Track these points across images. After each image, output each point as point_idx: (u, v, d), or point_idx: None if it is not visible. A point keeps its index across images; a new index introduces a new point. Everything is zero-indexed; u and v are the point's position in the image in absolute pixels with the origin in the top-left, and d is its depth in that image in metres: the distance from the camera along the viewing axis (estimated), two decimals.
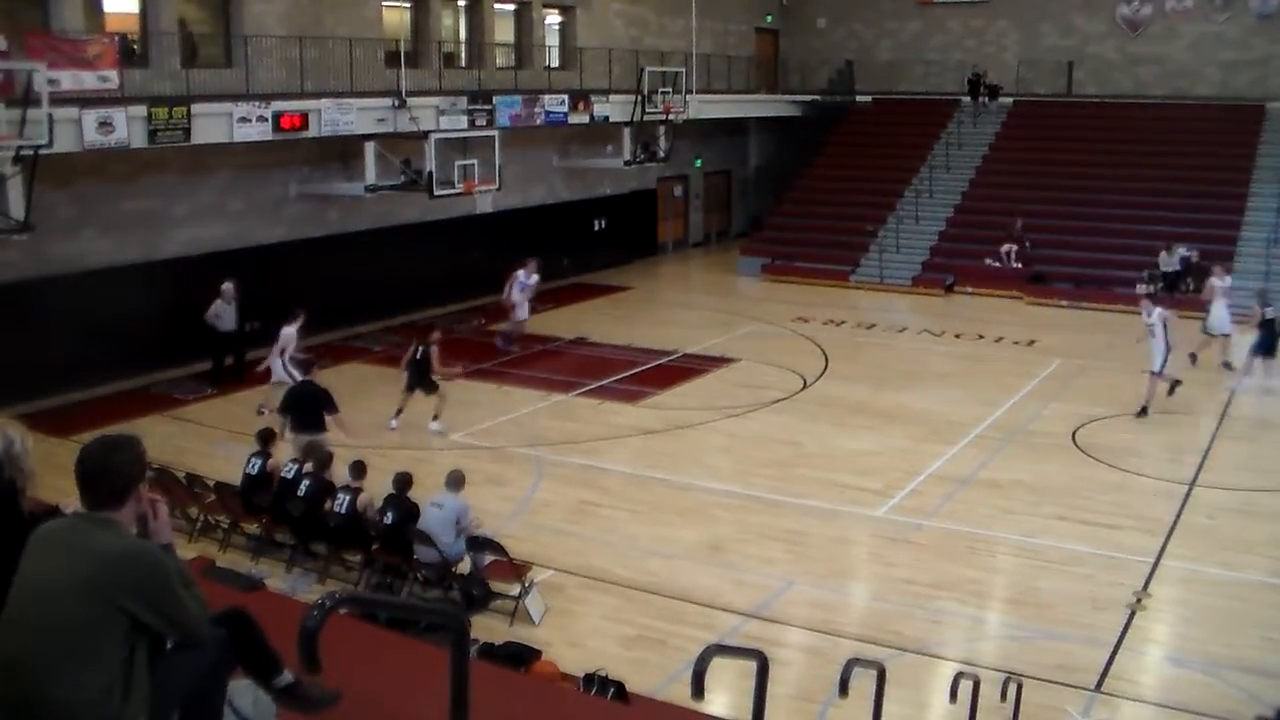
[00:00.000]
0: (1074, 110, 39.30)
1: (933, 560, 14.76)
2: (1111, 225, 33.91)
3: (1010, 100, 40.39)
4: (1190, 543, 15.47)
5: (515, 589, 12.81)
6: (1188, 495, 17.23)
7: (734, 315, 30.06)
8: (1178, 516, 16.37)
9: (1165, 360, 20.90)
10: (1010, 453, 19.15)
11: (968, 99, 40.59)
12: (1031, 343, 27.20)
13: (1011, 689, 10.10)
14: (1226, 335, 24.61)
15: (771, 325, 28.78)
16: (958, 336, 28.10)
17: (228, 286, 22.62)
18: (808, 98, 42.43)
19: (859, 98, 42.51)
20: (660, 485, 17.33)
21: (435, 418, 19.90)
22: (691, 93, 35.32)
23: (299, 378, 18.20)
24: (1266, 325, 22.66)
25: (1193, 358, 24.17)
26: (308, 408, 16.38)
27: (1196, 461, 18.75)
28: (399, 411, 20.02)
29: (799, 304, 31.14)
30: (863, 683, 8.07)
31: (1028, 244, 33.76)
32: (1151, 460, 18.80)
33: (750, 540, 15.37)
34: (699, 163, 41.22)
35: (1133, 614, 13.29)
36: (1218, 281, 25.44)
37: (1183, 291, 31.16)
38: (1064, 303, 31.83)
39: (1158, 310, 20.98)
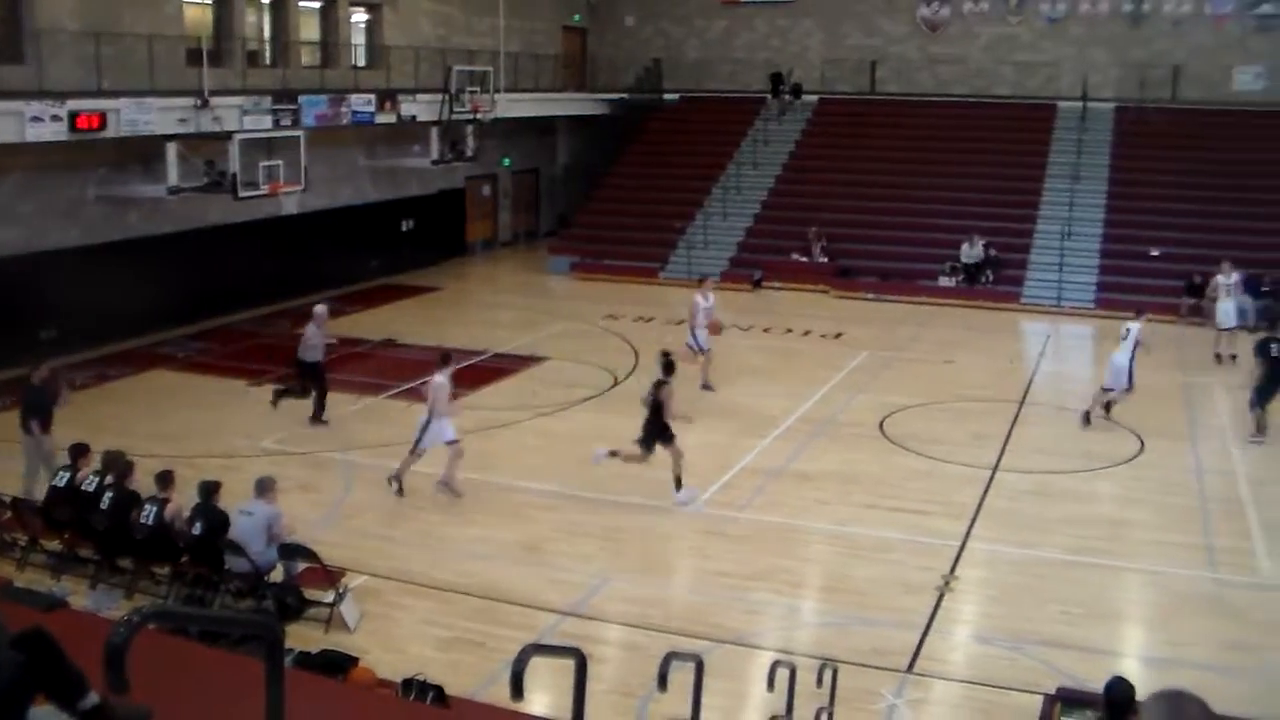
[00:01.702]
0: (877, 108, 40.34)
1: (747, 552, 14.98)
2: (914, 219, 34.95)
3: (815, 98, 41.19)
4: (993, 525, 16.05)
5: (330, 596, 12.61)
6: (990, 479, 17.83)
7: (544, 314, 30.05)
8: (981, 500, 16.95)
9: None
10: (820, 444, 19.53)
11: (772, 97, 41.25)
12: (838, 336, 27.77)
13: (827, 675, 10.30)
14: (1232, 329, 25.41)
15: (581, 323, 28.86)
16: (766, 331, 28.53)
17: (321, 310, 20.68)
18: (616, 96, 42.72)
19: (667, 96, 42.95)
20: (475, 486, 17.19)
21: (679, 484, 16.62)
22: (499, 91, 35.23)
23: (449, 437, 16.75)
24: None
25: (1218, 358, 25.24)
26: (29, 407, 16.05)
27: (998, 447, 19.39)
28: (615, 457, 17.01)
29: (608, 301, 31.29)
30: (681, 675, 8.13)
31: (825, 243, 34.41)
32: (956, 447, 19.36)
33: (566, 538, 15.39)
34: (507, 162, 41.05)
35: (941, 596, 13.72)
36: (1223, 279, 26.06)
37: (982, 283, 32.23)
38: (869, 296, 32.59)
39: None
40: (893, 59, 41.90)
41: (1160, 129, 36.71)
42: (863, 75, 41.75)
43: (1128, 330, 20.96)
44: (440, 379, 16.78)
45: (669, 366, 17.32)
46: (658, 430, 16.59)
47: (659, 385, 16.82)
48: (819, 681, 10.27)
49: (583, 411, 21.40)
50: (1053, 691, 9.50)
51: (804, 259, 34.26)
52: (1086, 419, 20.85)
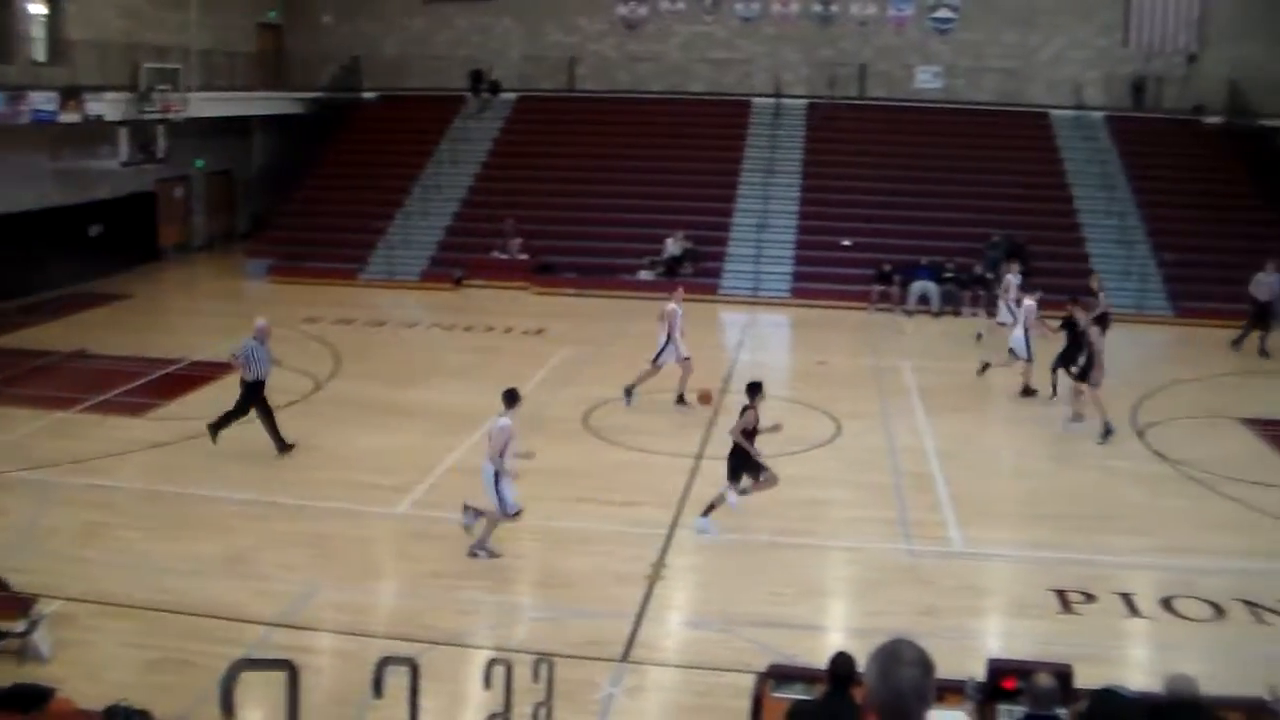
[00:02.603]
0: (576, 105, 40.64)
1: (458, 552, 14.89)
2: (614, 215, 35.47)
3: (514, 96, 41.30)
4: (700, 512, 16.37)
5: (21, 625, 11.94)
6: (695, 468, 18.22)
7: (242, 319, 28.67)
8: (687, 489, 17.31)
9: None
10: (526, 440, 19.47)
11: (472, 94, 41.17)
12: (540, 332, 27.93)
13: (544, 669, 10.35)
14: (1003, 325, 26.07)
15: (281, 327, 27.93)
16: (468, 330, 28.48)
17: (263, 323, 19.14)
18: (312, 95, 41.76)
19: (365, 94, 42.30)
20: (174, 499, 16.63)
21: (709, 508, 15.94)
22: (191, 90, 34.10)
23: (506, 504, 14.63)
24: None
25: (979, 336, 26.14)
26: None
27: (701, 435, 19.84)
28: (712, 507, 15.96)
29: (308, 304, 30.58)
30: (397, 680, 8.07)
31: (521, 239, 34.50)
32: (661, 437, 19.74)
33: (272, 548, 15.01)
34: (200, 163, 39.70)
35: (652, 584, 13.98)
36: (1013, 278, 27.03)
37: (683, 275, 32.94)
38: (570, 291, 32.83)
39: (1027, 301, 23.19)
40: (592, 56, 42.39)
41: (849, 124, 38.41)
42: (562, 72, 42.09)
43: (1025, 308, 23.08)
44: (505, 422, 14.71)
45: (755, 388, 16.31)
46: (744, 458, 15.94)
47: (745, 410, 16.01)
48: (535, 676, 10.30)
49: (285, 417, 20.76)
50: (764, 669, 9.78)
51: (505, 256, 34.30)
52: (1027, 391, 22.89)
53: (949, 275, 32.14)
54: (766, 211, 35.25)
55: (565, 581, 14.16)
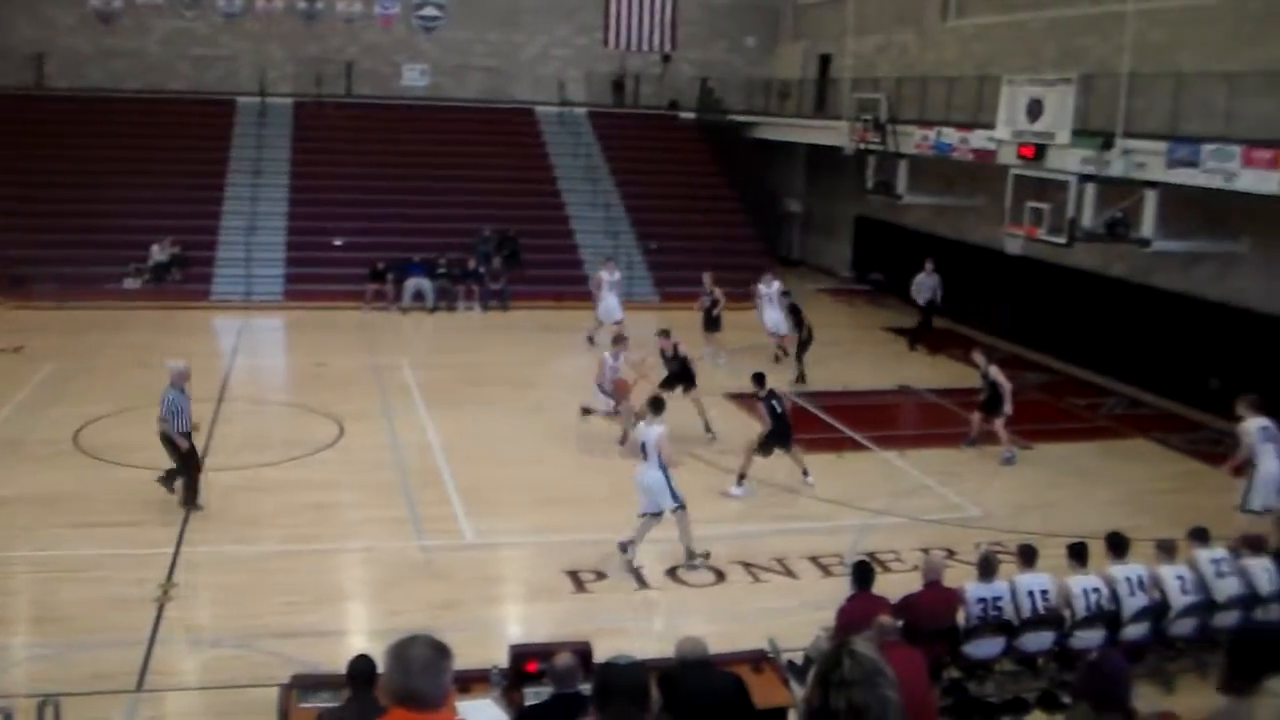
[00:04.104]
0: (46, 105, 37.87)
1: None
2: (95, 221, 33.37)
3: None
4: (206, 526, 15.98)
5: None
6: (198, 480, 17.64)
7: None
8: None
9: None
10: (10, 466, 18.27)
11: None
12: (19, 349, 26.06)
13: (49, 711, 9.80)
14: (781, 336, 26.76)
15: None
16: None
17: (179, 367, 16.69)
18: None
19: None
20: None
21: (805, 471, 18.40)
22: None
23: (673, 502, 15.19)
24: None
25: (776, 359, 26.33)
26: None
27: (201, 446, 19.16)
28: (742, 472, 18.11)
29: None
30: None
31: None
32: (159, 452, 18.91)
33: None
34: None
35: (162, 606, 13.45)
36: (606, 275, 27.76)
37: (171, 282, 31.79)
38: (50, 304, 30.81)
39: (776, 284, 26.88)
40: (62, 51, 39.67)
41: (337, 123, 38.25)
42: (29, 69, 39.20)
43: (772, 291, 26.61)
44: (661, 429, 15.23)
45: (760, 378, 18.25)
46: (784, 435, 17.99)
47: (771, 394, 18.03)
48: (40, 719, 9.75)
49: None
50: (287, 680, 9.69)
51: None
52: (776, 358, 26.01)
53: (442, 271, 32.63)
54: (255, 213, 34.50)
55: (65, 614, 13.28)
